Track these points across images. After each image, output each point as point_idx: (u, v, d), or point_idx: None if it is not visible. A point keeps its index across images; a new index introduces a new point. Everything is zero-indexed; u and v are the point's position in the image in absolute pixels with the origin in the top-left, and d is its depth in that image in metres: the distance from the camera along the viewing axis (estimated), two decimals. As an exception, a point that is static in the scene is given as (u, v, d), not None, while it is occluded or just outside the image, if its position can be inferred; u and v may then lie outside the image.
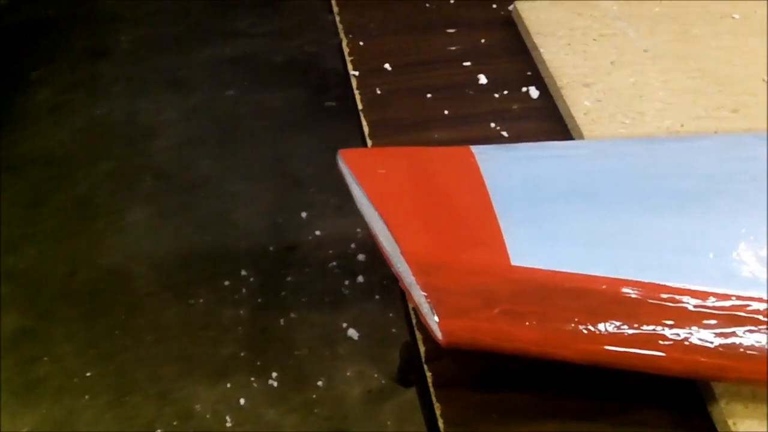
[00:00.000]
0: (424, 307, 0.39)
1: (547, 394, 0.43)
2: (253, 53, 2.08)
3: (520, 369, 0.43)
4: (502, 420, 0.41)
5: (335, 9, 0.69)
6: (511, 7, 0.68)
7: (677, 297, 0.40)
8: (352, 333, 1.35)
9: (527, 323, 0.39)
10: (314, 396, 1.27)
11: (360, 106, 0.59)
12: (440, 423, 0.42)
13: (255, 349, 1.33)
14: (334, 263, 1.48)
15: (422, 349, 0.44)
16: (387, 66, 0.63)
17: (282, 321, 1.37)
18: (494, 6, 0.70)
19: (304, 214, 1.58)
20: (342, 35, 0.66)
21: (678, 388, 0.42)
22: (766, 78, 0.61)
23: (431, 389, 0.43)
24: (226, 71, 1.98)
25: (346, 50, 0.64)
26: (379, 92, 0.60)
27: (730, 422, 0.40)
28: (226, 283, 1.43)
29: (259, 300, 1.40)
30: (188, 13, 2.22)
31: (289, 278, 1.43)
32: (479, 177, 0.45)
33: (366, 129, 0.57)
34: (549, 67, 0.60)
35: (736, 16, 0.67)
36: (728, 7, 0.68)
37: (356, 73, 0.62)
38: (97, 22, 2.13)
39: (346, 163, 0.45)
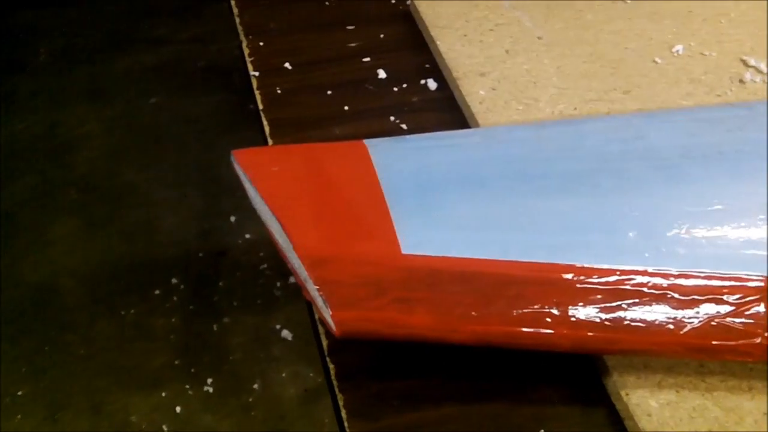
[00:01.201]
0: (318, 300, 0.40)
1: (446, 378, 0.43)
2: (175, 60, 2.07)
3: (420, 355, 0.44)
4: (402, 406, 0.42)
5: (235, 11, 0.69)
6: (409, 2, 0.69)
7: (563, 275, 0.41)
8: (286, 334, 1.36)
9: (418, 309, 0.39)
10: (250, 399, 1.27)
11: (260, 106, 0.59)
12: (343, 413, 0.42)
13: (189, 356, 1.33)
14: (265, 265, 1.48)
15: (324, 342, 0.45)
16: (287, 65, 0.63)
17: (215, 326, 1.37)
18: (393, 1, 0.71)
19: (233, 219, 1.58)
20: (242, 37, 0.66)
21: (574, 363, 0.44)
22: (656, 59, 0.63)
23: (334, 381, 0.43)
24: (149, 79, 1.97)
25: (246, 51, 0.65)
26: (279, 91, 0.61)
27: (622, 393, 0.42)
28: (157, 292, 1.43)
29: (191, 307, 1.39)
30: (107, 21, 2.20)
31: (220, 283, 1.43)
32: (371, 170, 0.46)
33: (267, 128, 0.57)
34: (445, 58, 0.61)
35: (628, 1, 0.69)
36: (620, -8, 0.70)
37: (256, 73, 0.63)
38: (14, 35, 2.10)
39: (239, 163, 0.45)
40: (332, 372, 0.44)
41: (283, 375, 1.29)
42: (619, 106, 0.58)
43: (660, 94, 0.59)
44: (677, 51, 0.64)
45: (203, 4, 2.26)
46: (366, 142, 0.48)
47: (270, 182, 0.44)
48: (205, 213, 1.58)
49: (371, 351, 0.45)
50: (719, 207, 0.45)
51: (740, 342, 0.40)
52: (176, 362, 1.32)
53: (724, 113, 0.53)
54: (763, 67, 0.62)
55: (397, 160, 0.47)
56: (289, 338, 1.34)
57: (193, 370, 1.30)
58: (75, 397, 1.30)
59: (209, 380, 1.29)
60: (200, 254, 1.50)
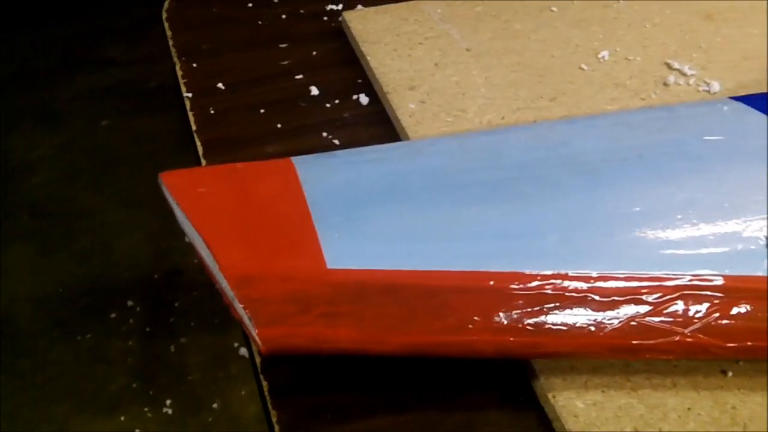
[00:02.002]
0: (245, 319, 0.40)
1: (379, 389, 0.44)
2: (126, 81, 2.07)
3: (353, 368, 0.44)
4: (335, 420, 0.43)
5: (168, 33, 0.70)
6: (341, 19, 0.70)
7: (485, 282, 0.42)
8: (244, 352, 1.36)
9: (344, 323, 0.40)
10: (210, 419, 1.27)
11: (194, 127, 0.60)
12: (276, 429, 0.43)
13: (147, 378, 1.33)
14: (222, 284, 1.48)
15: (257, 359, 0.45)
16: (220, 85, 0.64)
17: (172, 347, 1.37)
18: (325, 18, 0.71)
19: (187, 238, 1.57)
20: (175, 58, 0.67)
21: (504, 368, 0.44)
22: (582, 66, 0.64)
23: (267, 398, 0.44)
24: (100, 101, 1.96)
25: (179, 73, 0.65)
26: (212, 112, 0.61)
27: (549, 395, 0.42)
28: (113, 315, 1.42)
29: (148, 329, 1.39)
30: (57, 44, 2.19)
31: (176, 303, 1.43)
32: (298, 187, 0.46)
33: (200, 149, 0.58)
34: (376, 73, 0.62)
35: (554, 9, 0.70)
36: (547, 1, 0.71)
37: (189, 94, 0.63)
38: (-39, 61, 2.09)
39: (165, 185, 0.46)
40: (265, 389, 0.44)
41: (243, 393, 1.29)
42: (546, 113, 0.59)
43: (586, 100, 0.60)
44: (603, 57, 0.65)
45: (153, 24, 2.26)
46: (293, 159, 0.49)
47: (196, 203, 0.44)
48: (159, 234, 1.58)
49: (304, 366, 0.45)
50: (638, 209, 0.46)
51: (660, 340, 0.41)
52: (134, 385, 1.32)
53: (645, 117, 0.54)
54: (686, 69, 0.64)
55: (324, 176, 0.47)
56: (248, 356, 1.34)
57: (151, 393, 1.30)
58: (34, 424, 1.29)
59: (168, 401, 1.28)
60: (156, 275, 1.50)
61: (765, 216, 0.46)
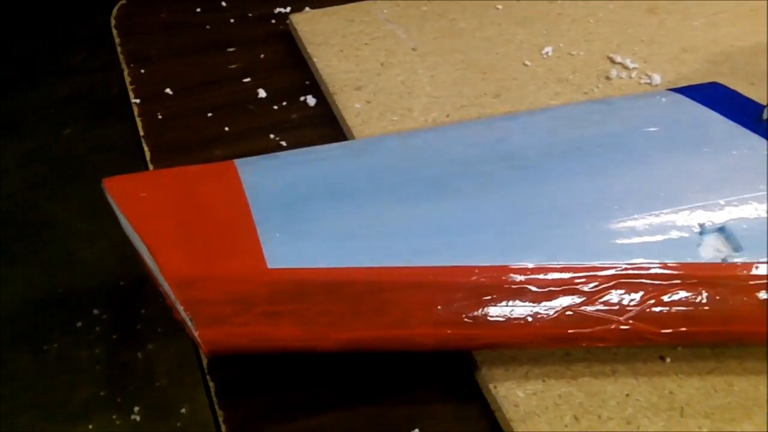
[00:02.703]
0: (187, 321, 0.41)
1: (326, 386, 0.45)
2: (87, 89, 2.06)
3: (300, 366, 0.45)
4: (281, 418, 0.43)
5: (117, 40, 0.70)
6: (288, 21, 0.70)
7: (425, 277, 0.42)
8: (210, 356, 1.36)
9: (285, 322, 0.41)
10: (179, 424, 1.27)
11: (141, 133, 0.60)
12: (223, 429, 0.43)
13: (115, 386, 1.32)
14: (188, 289, 1.48)
15: (204, 361, 0.46)
16: (168, 90, 0.64)
17: (140, 354, 1.37)
18: (273, 21, 0.72)
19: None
20: (123, 65, 0.67)
21: (448, 360, 0.45)
22: (526, 62, 0.65)
23: (214, 398, 0.44)
24: (62, 110, 1.95)
25: (127, 79, 0.65)
26: (160, 117, 0.62)
27: (491, 386, 0.43)
28: (79, 324, 1.42)
29: (114, 336, 1.39)
30: (18, 54, 2.18)
31: (142, 311, 1.43)
32: (240, 189, 0.47)
33: (148, 154, 0.58)
34: (322, 74, 0.63)
35: (499, 7, 0.71)
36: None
37: (137, 100, 0.63)
38: None
39: (108, 191, 0.46)
40: (212, 389, 0.45)
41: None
42: (490, 109, 0.60)
43: (529, 95, 0.61)
44: (546, 53, 0.66)
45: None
46: (236, 161, 0.49)
47: (137, 208, 0.45)
48: (124, 241, 1.56)
49: (252, 366, 0.46)
50: (575, 201, 0.47)
51: (596, 329, 0.42)
52: (102, 393, 1.31)
53: (584, 110, 0.55)
54: (628, 63, 0.65)
55: (267, 177, 0.48)
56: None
57: (119, 400, 1.30)
58: (1, 436, 1.28)
59: (136, 408, 1.28)
60: (121, 283, 1.49)
61: (699, 204, 0.47)
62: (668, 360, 0.45)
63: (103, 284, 1.49)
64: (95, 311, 1.44)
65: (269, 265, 0.43)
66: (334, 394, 0.45)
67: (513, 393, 0.43)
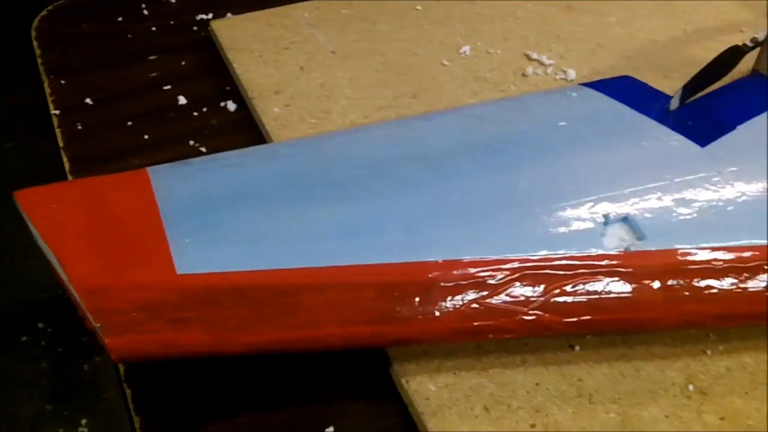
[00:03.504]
0: (97, 329, 0.41)
1: (241, 389, 0.45)
2: (31, 101, 2.03)
3: (216, 370, 0.45)
4: (196, 422, 0.44)
5: (37, 51, 0.70)
6: (210, 28, 0.70)
7: (334, 277, 0.43)
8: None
9: (193, 327, 0.41)
10: (127, 435, 1.26)
11: (61, 144, 0.60)
12: (139, 435, 0.43)
13: (61, 400, 1.31)
14: (135, 299, 1.47)
15: (121, 368, 0.46)
16: (88, 101, 0.64)
17: (86, 366, 1.36)
18: (195, 29, 0.72)
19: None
20: (43, 76, 0.67)
21: (362, 358, 0.46)
22: (444, 62, 0.66)
23: (130, 405, 0.45)
24: (3, 123, 1.93)
25: (47, 90, 0.65)
26: (80, 128, 0.62)
27: (403, 381, 0.44)
28: (24, 338, 1.40)
29: (60, 350, 1.38)
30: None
31: (89, 323, 1.41)
32: (151, 196, 0.47)
33: (67, 166, 0.58)
34: (242, 79, 0.63)
35: (419, 8, 0.72)
36: (412, 0, 0.72)
37: (57, 111, 0.63)
38: None
39: (19, 203, 0.46)
40: (128, 396, 0.45)
41: (159, 407, 1.28)
42: (408, 110, 0.61)
43: (446, 95, 0.62)
44: (464, 52, 0.67)
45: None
46: (148, 169, 0.49)
47: (48, 219, 0.45)
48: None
49: (168, 372, 0.46)
50: (482, 197, 0.48)
51: (501, 321, 0.43)
52: (48, 407, 1.30)
53: (496, 108, 0.56)
54: (545, 59, 0.66)
55: (178, 184, 0.48)
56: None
57: (66, 413, 1.29)
58: (-53, 455, 1.27)
59: (83, 421, 1.27)
60: (65, 296, 1.48)
61: (604, 195, 0.49)
62: (577, 348, 0.46)
63: (47, 297, 1.47)
64: (40, 325, 1.42)
65: (178, 272, 0.43)
66: (250, 396, 0.45)
67: (425, 387, 0.44)
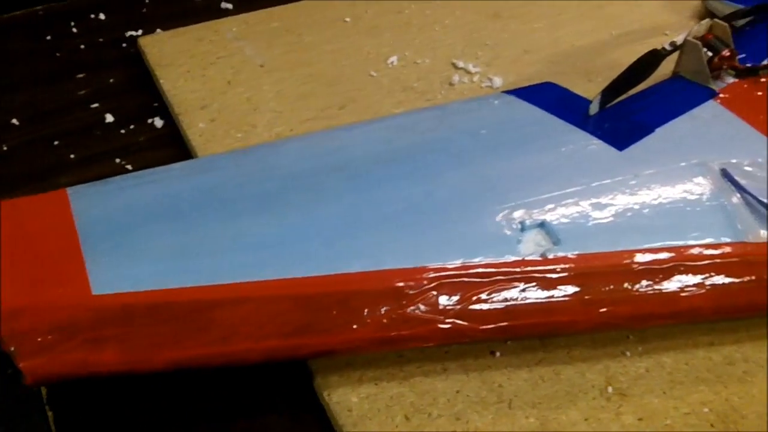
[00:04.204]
0: (11, 353, 0.41)
1: (165, 406, 0.45)
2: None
3: (140, 388, 0.45)
4: (120, 440, 0.43)
5: (-38, 76, 0.69)
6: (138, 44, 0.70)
7: (251, 292, 0.43)
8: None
9: (109, 347, 0.41)
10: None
11: (-17, 167, 0.60)
12: (60, 456, 0.43)
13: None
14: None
15: (44, 391, 0.46)
16: (14, 121, 0.64)
17: (8, 388, 1.33)
18: (124, 45, 0.72)
19: None
20: (-31, 99, 0.66)
21: (287, 371, 0.46)
22: (372, 72, 0.66)
23: (52, 426, 0.44)
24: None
25: (-28, 114, 0.65)
26: (5, 148, 0.61)
27: (325, 394, 0.44)
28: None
29: None
30: None
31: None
32: (69, 217, 0.47)
33: (-9, 187, 0.58)
34: (168, 95, 0.63)
35: (348, 19, 0.72)
36: (341, 12, 0.73)
37: (-19, 133, 0.63)
38: None
39: None
40: (50, 419, 0.45)
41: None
42: (335, 121, 0.61)
43: (373, 105, 0.63)
44: (392, 62, 0.67)
45: None
46: (68, 189, 0.49)
47: (-37, 244, 0.45)
48: None
49: (93, 392, 0.46)
50: (401, 207, 0.48)
51: (419, 330, 0.43)
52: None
53: (418, 118, 0.57)
54: (471, 67, 0.67)
55: (97, 203, 0.48)
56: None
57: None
58: None
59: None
60: None
61: (521, 202, 0.49)
62: (498, 354, 0.47)
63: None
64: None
65: (94, 292, 0.43)
66: (172, 412, 0.45)
67: (346, 398, 0.44)
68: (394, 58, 0.67)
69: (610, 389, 0.45)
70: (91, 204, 0.48)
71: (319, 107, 0.62)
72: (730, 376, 0.46)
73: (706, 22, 0.63)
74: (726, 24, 0.63)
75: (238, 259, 0.45)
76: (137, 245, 0.46)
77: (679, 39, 0.62)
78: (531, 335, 0.46)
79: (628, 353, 0.47)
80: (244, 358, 0.42)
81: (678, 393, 0.45)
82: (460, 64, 0.67)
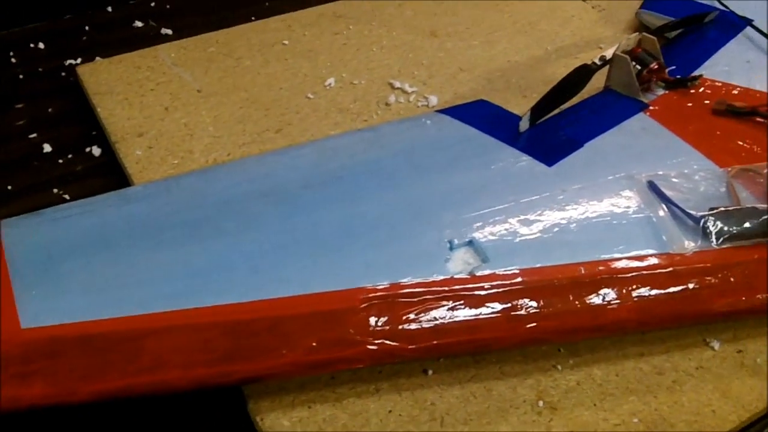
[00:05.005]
0: (-61, 391, 0.41)
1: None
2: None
3: (73, 419, 0.45)
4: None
5: None
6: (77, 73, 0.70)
7: (178, 320, 0.43)
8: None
9: (36, 381, 0.41)
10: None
11: None
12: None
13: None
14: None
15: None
16: (-49, 154, 0.64)
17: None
18: (63, 74, 0.72)
19: None
20: None
21: (223, 397, 0.46)
22: (309, 95, 0.67)
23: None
24: None
25: None
26: (-59, 182, 0.61)
27: (258, 419, 0.44)
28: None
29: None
30: None
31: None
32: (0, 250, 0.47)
33: (-73, 221, 0.57)
34: (105, 123, 0.63)
35: (286, 42, 0.73)
36: (279, 35, 0.73)
37: None
38: None
39: None
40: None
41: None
42: (271, 145, 0.61)
43: (310, 128, 0.63)
44: (329, 84, 0.68)
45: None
46: (1, 222, 0.49)
47: None
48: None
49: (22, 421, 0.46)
50: (329, 230, 0.49)
51: (348, 352, 0.44)
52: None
53: (350, 140, 0.57)
54: (407, 87, 0.67)
55: (28, 235, 0.48)
56: None
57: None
58: None
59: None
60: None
61: (450, 221, 0.50)
62: (431, 372, 0.47)
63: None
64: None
65: (23, 325, 0.43)
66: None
67: (278, 423, 0.44)
68: (331, 80, 0.68)
69: (541, 403, 0.46)
70: (22, 236, 0.48)
71: (256, 131, 0.62)
72: (660, 385, 0.47)
73: (635, 35, 0.65)
74: (654, 37, 0.64)
75: (167, 288, 0.45)
76: (67, 277, 0.46)
77: (608, 53, 0.63)
78: (461, 353, 0.47)
79: (559, 367, 0.48)
80: (174, 387, 0.43)
81: (608, 405, 0.46)
82: (397, 84, 0.67)
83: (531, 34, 0.75)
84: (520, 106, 0.62)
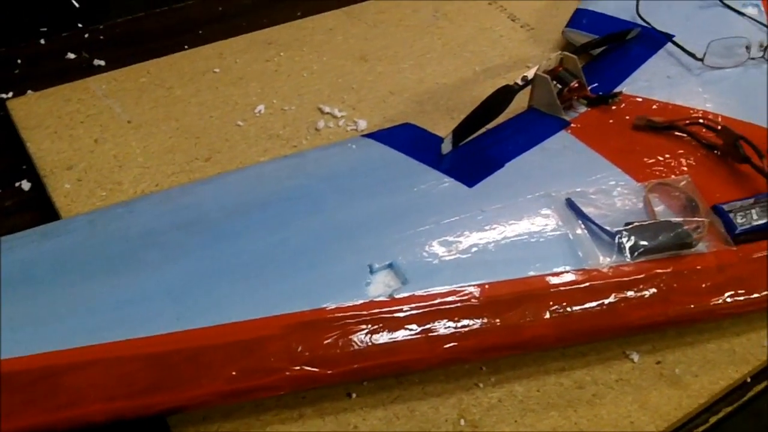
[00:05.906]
0: None
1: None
2: None
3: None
4: None
5: None
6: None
7: (97, 354, 0.44)
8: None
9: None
10: None
11: None
12: None
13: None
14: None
15: None
16: None
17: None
18: (-8, 108, 0.72)
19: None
20: None
21: (148, 426, 0.46)
22: (239, 122, 0.67)
23: None
24: None
25: None
26: None
27: (181, 450, 0.45)
28: None
29: None
30: None
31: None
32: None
33: None
34: (34, 157, 0.63)
35: (217, 70, 0.74)
36: (210, 63, 0.74)
37: None
38: None
39: None
40: None
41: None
42: (200, 174, 0.62)
43: (239, 155, 0.64)
44: (259, 111, 0.69)
45: None
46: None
47: None
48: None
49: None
50: (253, 257, 0.49)
51: (268, 380, 0.44)
52: None
53: (276, 167, 0.58)
54: (337, 112, 0.68)
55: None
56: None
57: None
58: None
59: None
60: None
61: (371, 244, 0.51)
62: (354, 395, 0.48)
63: None
64: None
65: None
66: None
67: (203, 452, 0.45)
68: (261, 107, 0.69)
69: (462, 422, 0.47)
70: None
71: (184, 160, 0.63)
72: (580, 399, 0.48)
73: (556, 55, 0.66)
74: (575, 56, 0.66)
75: (87, 322, 0.46)
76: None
77: (530, 73, 0.64)
78: (382, 375, 0.47)
79: (480, 384, 0.49)
80: (94, 420, 0.43)
81: (529, 420, 0.47)
82: (326, 108, 0.68)
83: (460, 56, 0.76)
84: (448, 127, 0.63)
